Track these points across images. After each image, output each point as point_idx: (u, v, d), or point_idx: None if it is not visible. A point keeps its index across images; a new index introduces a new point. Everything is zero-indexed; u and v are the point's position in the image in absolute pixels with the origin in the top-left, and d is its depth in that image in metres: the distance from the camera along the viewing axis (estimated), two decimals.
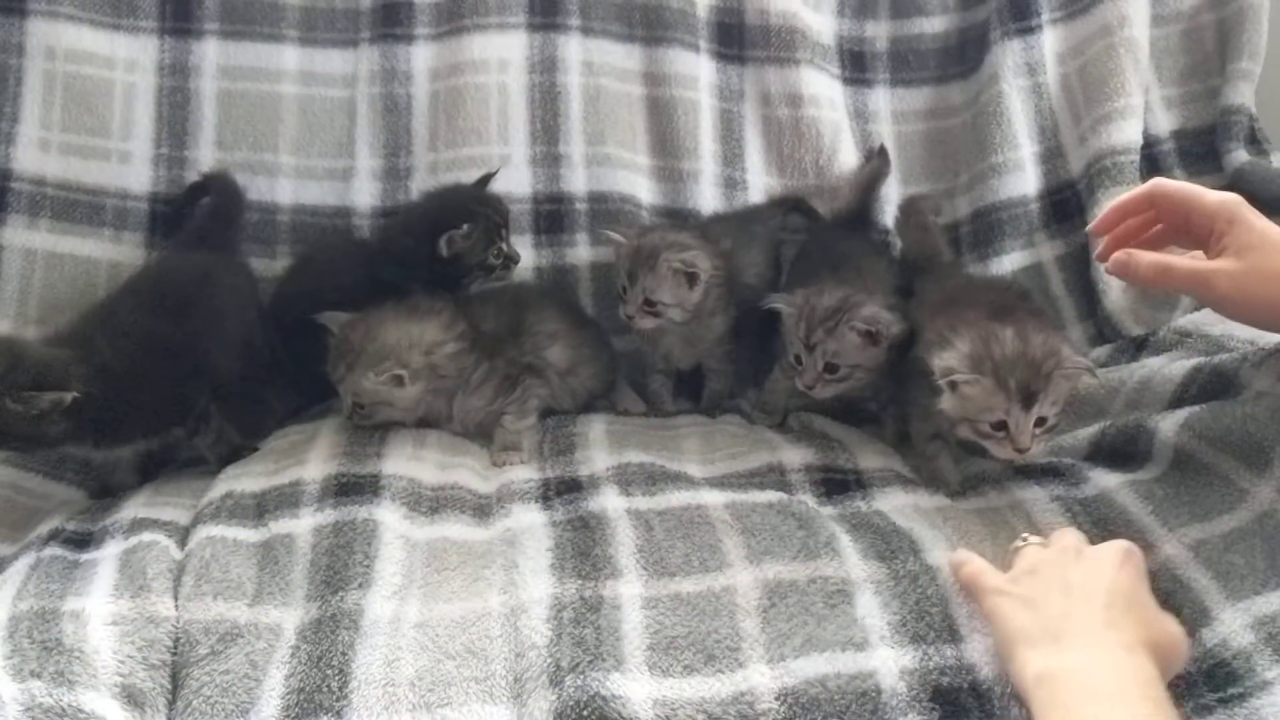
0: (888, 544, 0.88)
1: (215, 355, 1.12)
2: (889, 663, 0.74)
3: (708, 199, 1.39)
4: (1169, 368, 1.05)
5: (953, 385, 0.93)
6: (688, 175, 1.39)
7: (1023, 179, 1.39)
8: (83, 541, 0.95)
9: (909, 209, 1.35)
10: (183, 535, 0.94)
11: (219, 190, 1.28)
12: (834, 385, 1.10)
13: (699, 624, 0.79)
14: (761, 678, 0.73)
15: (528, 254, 1.33)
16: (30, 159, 1.28)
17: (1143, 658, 0.67)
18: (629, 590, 0.83)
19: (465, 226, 1.20)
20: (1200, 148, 1.40)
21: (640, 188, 1.38)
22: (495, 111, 1.36)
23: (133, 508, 1.00)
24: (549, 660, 0.76)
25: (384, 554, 0.88)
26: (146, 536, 0.91)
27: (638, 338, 1.28)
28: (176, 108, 1.33)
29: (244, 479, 1.01)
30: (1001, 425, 0.93)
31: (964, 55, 1.48)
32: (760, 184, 1.41)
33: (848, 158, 1.42)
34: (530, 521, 0.94)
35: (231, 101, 1.34)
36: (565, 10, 1.39)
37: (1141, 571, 0.75)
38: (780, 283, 1.31)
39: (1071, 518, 0.92)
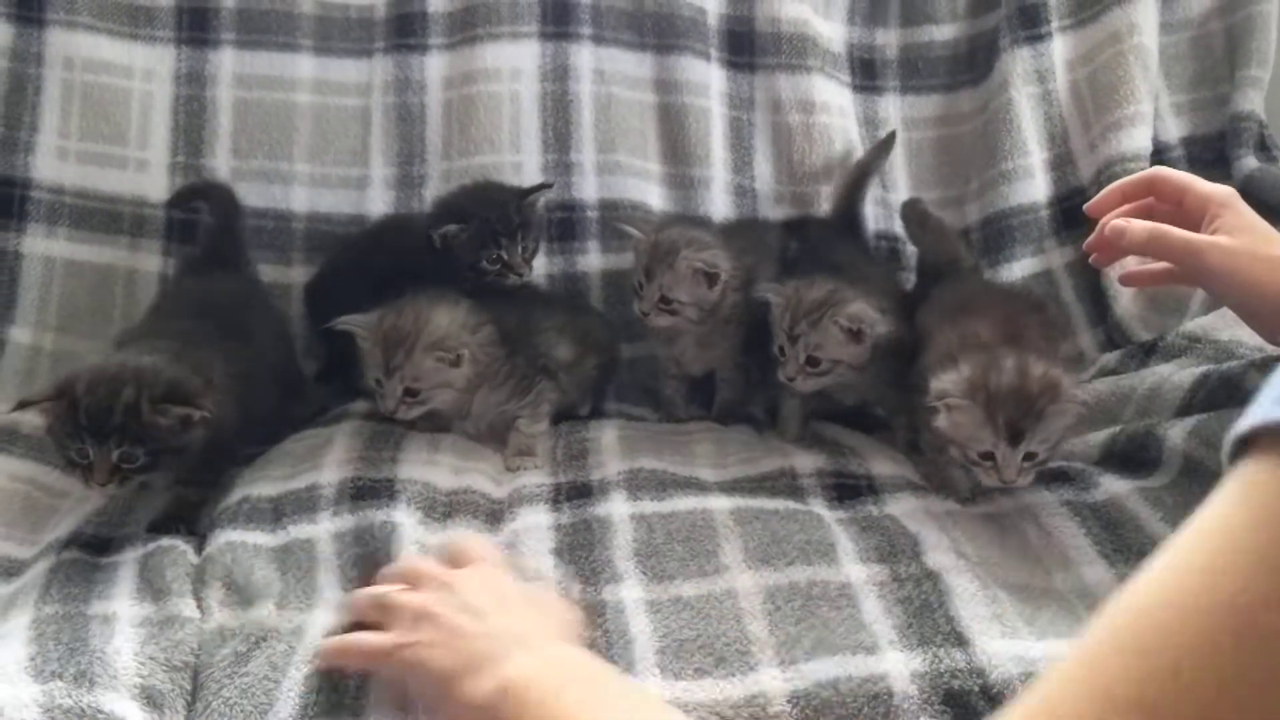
0: (892, 546, 0.89)
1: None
2: (899, 666, 0.74)
3: (718, 206, 1.39)
4: (1177, 376, 1.06)
5: (947, 407, 0.93)
6: (698, 182, 1.40)
7: (1033, 186, 1.39)
8: (102, 546, 0.96)
9: (916, 214, 1.35)
10: (200, 540, 0.95)
11: (217, 200, 1.28)
12: (815, 379, 1.09)
13: (706, 627, 0.79)
14: (773, 681, 0.74)
15: (539, 261, 1.34)
16: (49, 167, 1.29)
17: (574, 646, 0.69)
18: (630, 594, 0.84)
19: (455, 226, 1.20)
20: (1210, 154, 1.41)
21: (651, 195, 1.38)
22: (508, 120, 1.37)
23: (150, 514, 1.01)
24: None
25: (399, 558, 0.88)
26: (165, 541, 0.93)
27: (652, 339, 1.28)
28: (193, 116, 1.34)
29: (260, 484, 1.02)
30: (989, 456, 0.92)
31: (974, 63, 1.48)
32: (770, 191, 1.42)
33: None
34: (534, 524, 0.95)
35: (247, 110, 1.35)
36: (577, 19, 1.40)
37: (506, 566, 0.78)
38: None
39: (1081, 522, 0.92)
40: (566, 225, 1.36)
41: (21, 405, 0.95)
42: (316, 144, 1.36)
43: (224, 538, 0.92)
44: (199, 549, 0.93)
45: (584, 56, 1.39)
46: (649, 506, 0.96)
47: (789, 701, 0.72)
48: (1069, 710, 0.34)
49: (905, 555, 0.87)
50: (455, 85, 1.38)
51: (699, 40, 1.42)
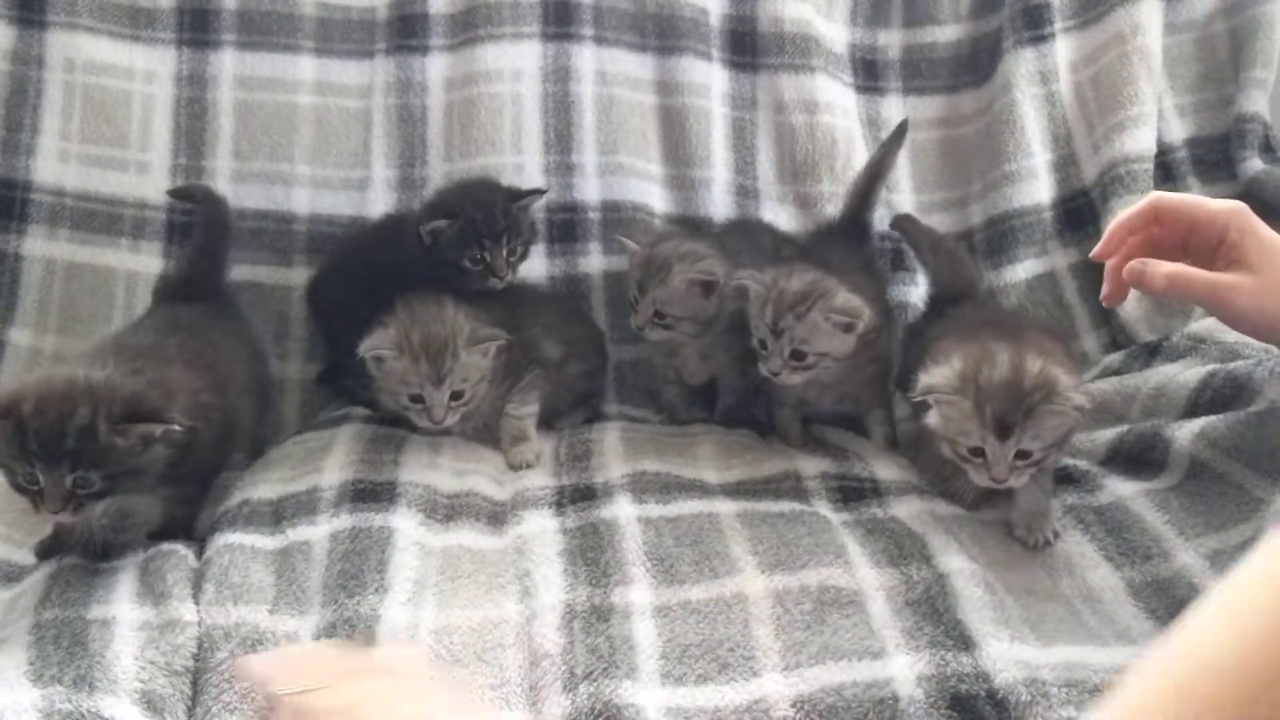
0: (900, 549, 0.88)
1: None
2: (905, 670, 0.74)
3: (720, 207, 1.39)
4: (1183, 375, 1.05)
5: (936, 402, 0.91)
6: (700, 183, 1.39)
7: (1036, 187, 1.39)
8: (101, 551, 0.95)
9: (923, 236, 1.31)
10: (199, 544, 0.95)
11: (206, 203, 1.25)
12: (801, 373, 1.07)
13: (711, 632, 0.79)
14: (776, 686, 0.73)
15: (540, 263, 1.34)
16: (50, 170, 1.29)
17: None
18: (639, 598, 0.84)
19: (442, 222, 1.19)
20: (1214, 156, 1.40)
21: (653, 196, 1.38)
22: (509, 121, 1.36)
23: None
24: (563, 668, 0.76)
25: (397, 561, 0.88)
26: (165, 546, 0.92)
27: (652, 351, 1.28)
28: (194, 118, 1.34)
29: (260, 486, 1.02)
30: (979, 452, 0.90)
31: (977, 64, 1.48)
32: (773, 192, 1.42)
33: (860, 165, 1.42)
34: (541, 528, 0.95)
35: (248, 112, 1.35)
36: (579, 20, 1.39)
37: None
38: None
39: (1085, 527, 0.92)
40: (568, 226, 1.36)
41: None
42: (318, 146, 1.35)
43: (223, 540, 0.92)
44: (199, 553, 0.93)
45: (585, 58, 1.39)
46: (655, 510, 0.96)
47: (793, 707, 0.71)
48: None
49: (915, 558, 0.87)
50: (456, 86, 1.38)
51: (701, 41, 1.41)
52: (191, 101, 1.34)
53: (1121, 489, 0.94)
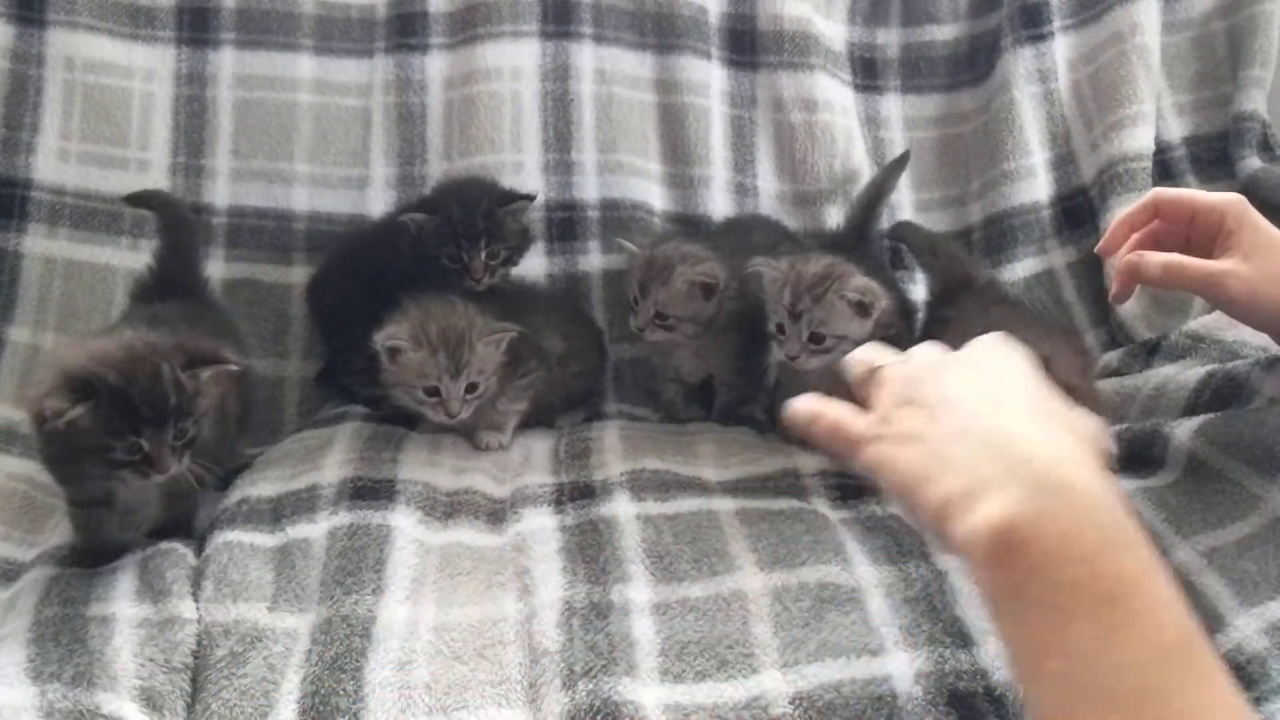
0: (899, 546, 0.88)
1: None
2: (904, 667, 0.74)
3: (719, 205, 1.39)
4: (1183, 374, 1.05)
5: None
6: (699, 182, 1.39)
7: (1034, 186, 1.39)
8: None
9: (922, 241, 1.31)
10: (198, 542, 0.95)
11: (162, 207, 1.22)
12: (819, 357, 1.06)
13: (710, 629, 0.79)
14: (775, 683, 0.73)
15: (539, 261, 1.34)
16: (50, 168, 1.29)
17: (1095, 467, 0.50)
18: (638, 595, 0.84)
19: (422, 216, 1.18)
20: (1212, 154, 1.40)
21: (652, 195, 1.38)
22: (508, 120, 1.37)
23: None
24: (562, 665, 0.76)
25: (395, 558, 0.88)
26: (164, 544, 0.92)
27: (650, 350, 1.28)
28: (193, 117, 1.34)
29: (260, 484, 1.02)
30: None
31: (975, 62, 1.48)
32: (772, 190, 1.42)
33: (860, 164, 1.42)
34: (540, 525, 0.95)
35: (248, 110, 1.35)
36: (578, 19, 1.40)
37: (1028, 355, 0.62)
38: None
39: None
40: (567, 225, 1.36)
41: (43, 420, 0.83)
42: (317, 144, 1.35)
43: (222, 538, 0.92)
44: (198, 551, 0.93)
45: (585, 56, 1.39)
46: (654, 507, 0.96)
47: (791, 704, 0.71)
48: None
49: (913, 555, 0.87)
50: (456, 85, 1.38)
51: (700, 39, 1.42)
52: (191, 100, 1.34)
53: (1120, 486, 0.94)
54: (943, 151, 1.47)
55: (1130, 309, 1.29)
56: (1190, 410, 1.01)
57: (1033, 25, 1.42)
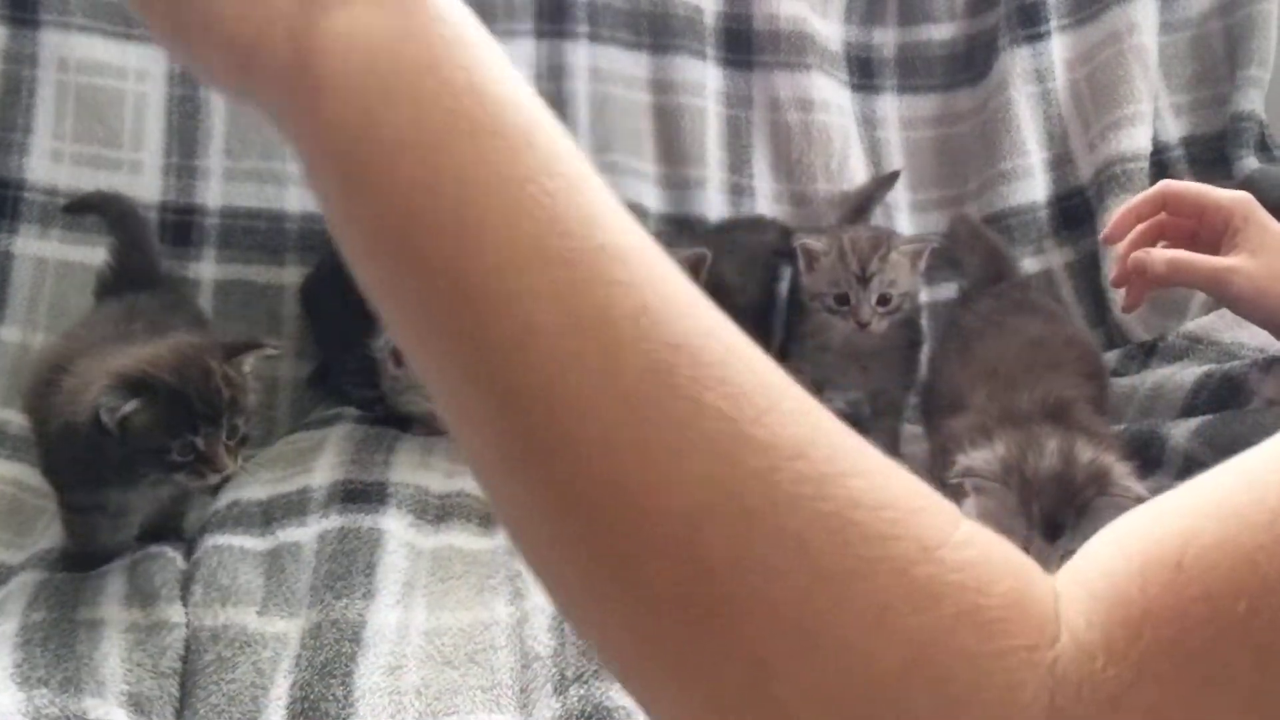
0: None
1: None
2: None
3: (715, 206, 1.39)
4: (1180, 374, 1.05)
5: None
6: (694, 182, 1.39)
7: (1032, 186, 1.39)
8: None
9: (969, 230, 1.27)
10: (188, 545, 0.94)
11: (105, 205, 1.19)
12: (887, 318, 1.07)
13: None
14: None
15: None
16: (42, 169, 1.28)
17: None
18: None
19: None
20: (1210, 154, 1.40)
21: (647, 195, 1.38)
22: None
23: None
24: (554, 670, 0.76)
25: (386, 562, 0.88)
26: (153, 548, 0.92)
27: None
28: (186, 117, 1.33)
29: (250, 487, 1.01)
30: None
31: (972, 62, 1.48)
32: (768, 190, 1.41)
33: (856, 164, 1.42)
34: None
35: (240, 110, 1.34)
36: (573, 18, 1.39)
37: None
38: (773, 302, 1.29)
39: None
40: None
41: (114, 415, 0.81)
42: None
43: (212, 541, 0.91)
44: (188, 555, 0.92)
45: (579, 55, 1.38)
46: None
47: None
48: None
49: None
50: None
51: (695, 39, 1.41)
52: (183, 100, 1.34)
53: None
54: (939, 151, 1.47)
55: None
56: (1188, 411, 1.00)
57: (1030, 25, 1.42)
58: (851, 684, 0.27)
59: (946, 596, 0.28)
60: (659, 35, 1.41)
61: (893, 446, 1.15)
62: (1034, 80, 1.41)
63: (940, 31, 1.49)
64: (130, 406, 0.81)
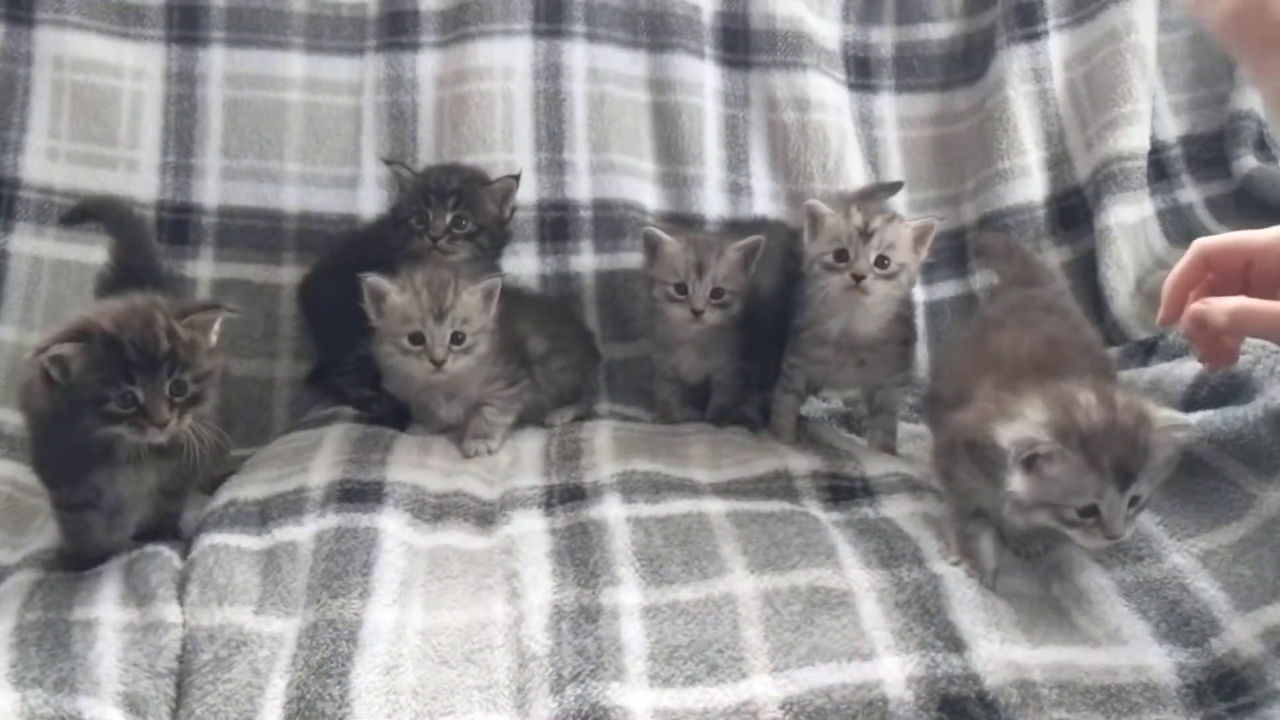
0: (891, 550, 0.88)
1: None
2: (895, 671, 0.73)
3: (712, 204, 1.39)
4: (1179, 368, 1.05)
5: (1030, 461, 0.79)
6: (692, 181, 1.39)
7: (1029, 185, 1.39)
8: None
9: (1000, 247, 1.23)
10: (185, 545, 0.94)
11: (113, 219, 1.19)
12: (883, 282, 1.08)
13: (700, 633, 0.78)
14: (765, 687, 0.73)
15: (532, 261, 1.34)
16: (38, 168, 1.28)
17: None
18: (627, 599, 0.83)
19: (408, 170, 1.22)
20: (1208, 153, 1.40)
21: (645, 194, 1.38)
22: (500, 119, 1.36)
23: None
24: (550, 670, 0.76)
25: (383, 561, 0.87)
26: (150, 547, 0.91)
27: (651, 349, 1.27)
28: (183, 116, 1.33)
29: (247, 486, 1.01)
30: (1092, 510, 0.79)
31: (970, 61, 1.48)
32: (765, 189, 1.41)
33: (853, 163, 1.42)
34: (529, 528, 0.94)
35: (238, 109, 1.34)
36: (570, 17, 1.39)
37: None
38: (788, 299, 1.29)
39: None
40: (559, 225, 1.36)
41: (41, 351, 0.84)
42: (308, 143, 1.35)
43: (208, 541, 0.91)
44: (184, 554, 0.92)
45: (577, 55, 1.38)
46: (644, 510, 0.95)
47: (781, 708, 0.71)
48: None
49: (906, 559, 0.86)
50: (447, 84, 1.37)
51: (693, 38, 1.41)
52: (181, 99, 1.34)
53: None
54: (937, 151, 1.47)
55: (1125, 308, 1.29)
56: (1188, 406, 1.00)
57: (1027, 24, 1.42)
58: None
59: None
60: (657, 34, 1.41)
61: (889, 445, 1.15)
62: (1031, 79, 1.41)
63: (938, 30, 1.49)
64: (65, 349, 0.83)
